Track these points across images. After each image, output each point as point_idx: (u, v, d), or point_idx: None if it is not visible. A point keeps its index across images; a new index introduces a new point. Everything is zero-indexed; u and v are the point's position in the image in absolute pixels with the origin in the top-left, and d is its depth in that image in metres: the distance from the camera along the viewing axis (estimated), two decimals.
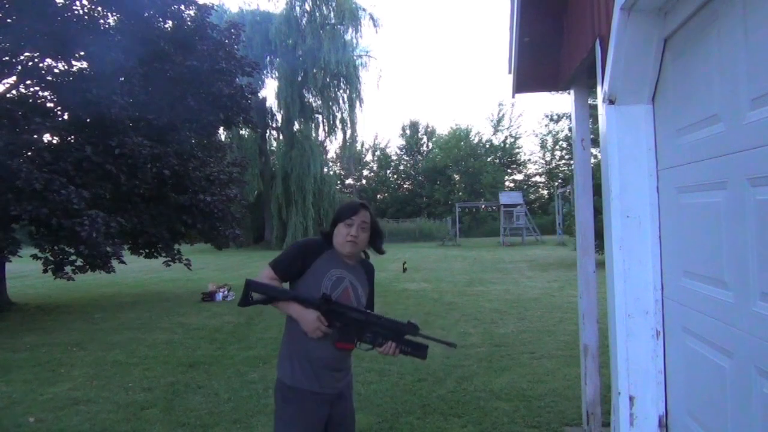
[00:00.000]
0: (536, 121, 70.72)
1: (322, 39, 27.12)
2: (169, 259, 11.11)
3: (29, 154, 8.83)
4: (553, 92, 4.81)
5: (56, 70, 9.97)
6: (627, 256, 2.46)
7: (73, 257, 9.24)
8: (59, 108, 9.85)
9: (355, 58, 29.52)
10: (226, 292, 10.86)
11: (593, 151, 7.92)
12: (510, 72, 4.14)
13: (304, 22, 27.97)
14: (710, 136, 1.98)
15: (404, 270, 15.25)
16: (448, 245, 28.51)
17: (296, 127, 29.27)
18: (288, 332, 2.36)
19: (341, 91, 29.91)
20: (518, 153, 45.08)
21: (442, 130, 49.18)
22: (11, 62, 9.67)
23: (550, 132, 43.08)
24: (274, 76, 29.71)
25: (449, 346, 2.36)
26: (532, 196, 43.06)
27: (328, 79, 28.93)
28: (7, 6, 8.92)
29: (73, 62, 10.05)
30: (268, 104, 30.46)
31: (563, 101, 43.06)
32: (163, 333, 7.72)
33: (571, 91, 3.75)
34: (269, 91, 41.67)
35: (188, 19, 10.69)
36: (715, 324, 1.99)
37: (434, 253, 23.06)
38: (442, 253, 23.00)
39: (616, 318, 2.47)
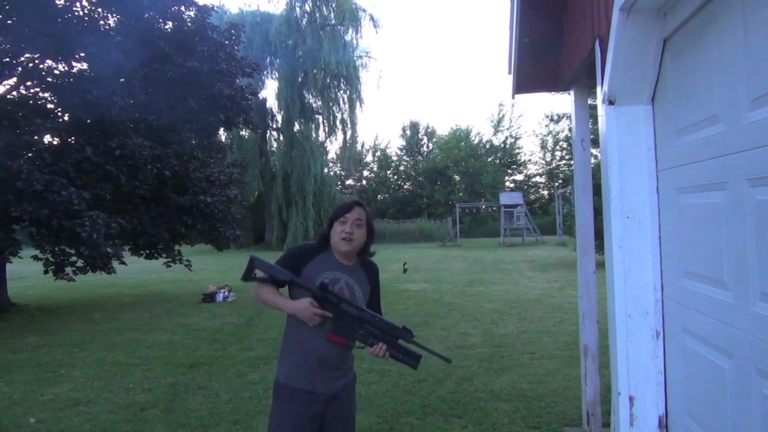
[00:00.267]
0: (536, 121, 70.74)
1: (322, 40, 27.13)
2: (170, 259, 11.12)
3: (30, 155, 8.83)
4: (553, 93, 4.82)
5: (57, 72, 9.98)
6: (627, 256, 2.46)
7: (74, 258, 9.24)
8: (60, 109, 9.86)
9: (355, 58, 29.53)
10: (226, 293, 10.86)
11: (593, 151, 7.93)
12: (510, 72, 4.15)
13: (304, 22, 27.99)
14: (710, 136, 1.98)
15: (405, 270, 15.25)
16: (448, 246, 28.52)
17: (296, 127, 29.28)
18: (286, 331, 2.38)
19: (341, 91, 29.92)
20: (518, 153, 45.11)
21: (443, 130, 49.26)
22: (12, 63, 9.67)
23: (550, 132, 43.15)
24: (274, 76, 29.74)
25: (444, 361, 2.30)
26: (532, 197, 43.07)
27: (328, 80, 28.94)
28: (7, 7, 8.93)
29: (74, 63, 10.05)
30: (268, 105, 30.50)
31: (563, 101, 43.12)
32: (163, 334, 7.72)
33: (571, 92, 3.75)
34: (269, 91, 41.79)
35: (188, 20, 10.69)
36: (715, 324, 1.99)
37: (434, 254, 23.06)
38: (443, 254, 23.00)
39: (616, 318, 2.47)
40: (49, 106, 9.82)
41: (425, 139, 48.84)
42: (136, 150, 9.18)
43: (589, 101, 3.81)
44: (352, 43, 28.83)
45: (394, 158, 49.11)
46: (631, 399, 2.44)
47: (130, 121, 9.60)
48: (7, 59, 9.53)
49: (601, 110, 2.57)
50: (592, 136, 3.91)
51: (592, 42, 2.74)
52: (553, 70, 3.96)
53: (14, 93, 9.89)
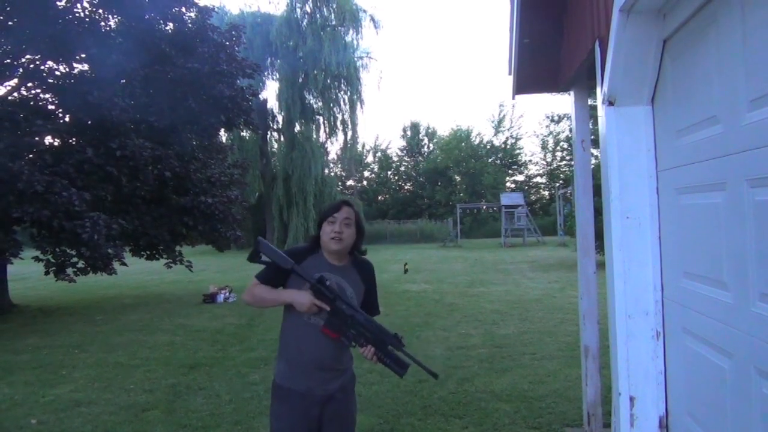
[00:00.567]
0: (537, 122, 70.79)
1: (322, 40, 27.12)
2: (171, 260, 11.12)
3: (31, 156, 8.85)
4: (553, 93, 4.82)
5: (57, 73, 10.00)
6: (627, 256, 2.47)
7: (75, 259, 9.25)
8: (60, 110, 9.87)
9: (355, 59, 29.50)
10: (227, 294, 10.87)
11: (594, 151, 7.93)
12: (510, 73, 4.15)
13: (304, 23, 27.98)
14: (709, 137, 1.98)
15: (405, 271, 15.25)
16: (449, 246, 28.51)
17: (297, 128, 29.27)
18: (282, 332, 2.40)
19: (342, 92, 29.89)
20: (519, 154, 45.08)
21: (443, 131, 49.21)
22: (12, 65, 9.69)
23: (550, 133, 43.14)
24: (274, 77, 29.72)
25: (431, 375, 2.27)
26: (533, 197, 43.06)
27: (328, 81, 28.91)
28: (8, 9, 8.94)
29: (74, 65, 10.07)
30: (269, 106, 30.47)
31: (564, 102, 43.10)
32: (164, 335, 7.73)
33: (571, 93, 3.76)
34: (270, 92, 41.83)
35: (189, 21, 10.69)
36: (714, 325, 2.00)
37: (435, 254, 23.06)
38: (443, 254, 23.00)
39: (617, 319, 2.47)
40: (50, 107, 9.84)
41: (426, 140, 48.83)
42: (136, 151, 9.20)
43: (589, 102, 3.81)
44: (352, 44, 28.82)
45: (395, 159, 49.12)
46: (631, 399, 2.44)
47: (131, 122, 9.61)
48: (8, 60, 9.54)
49: (601, 111, 2.57)
50: (592, 137, 3.91)
51: (592, 43, 2.74)
52: (553, 71, 3.96)
53: (15, 94, 9.91)
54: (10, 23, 9.04)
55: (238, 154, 22.56)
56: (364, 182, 47.67)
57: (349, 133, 30.75)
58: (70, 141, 9.69)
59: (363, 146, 46.02)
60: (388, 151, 49.32)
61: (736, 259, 1.83)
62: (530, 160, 45.49)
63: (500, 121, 44.89)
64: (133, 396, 4.99)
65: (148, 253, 11.09)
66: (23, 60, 9.80)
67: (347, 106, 29.94)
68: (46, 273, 9.29)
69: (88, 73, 9.92)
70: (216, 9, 11.75)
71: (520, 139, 45.14)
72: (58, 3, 9.42)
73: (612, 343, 2.55)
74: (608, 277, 2.56)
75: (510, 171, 44.94)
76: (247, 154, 25.35)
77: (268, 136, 31.30)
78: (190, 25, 10.67)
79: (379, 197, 46.85)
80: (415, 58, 77.85)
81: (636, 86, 2.44)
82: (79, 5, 9.74)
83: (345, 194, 36.12)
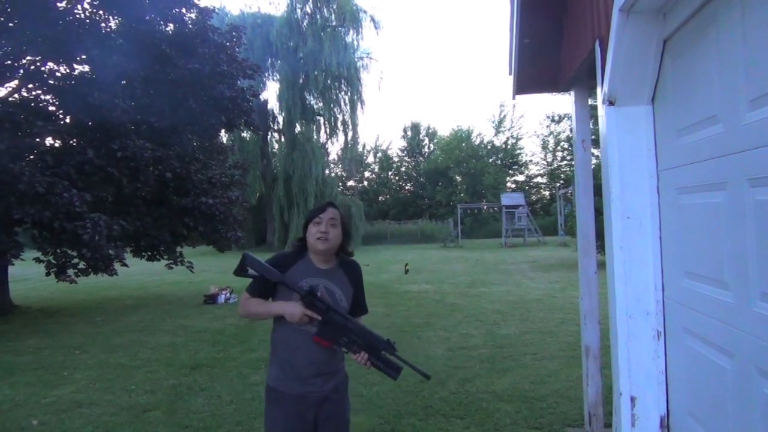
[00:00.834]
0: (537, 122, 70.75)
1: (323, 41, 27.14)
2: (171, 261, 11.13)
3: (31, 157, 8.86)
4: (553, 93, 4.82)
5: (58, 74, 10.01)
6: (628, 256, 2.47)
7: (76, 260, 9.26)
8: (61, 111, 9.88)
9: (356, 60, 29.53)
10: (228, 295, 10.88)
11: (594, 151, 7.93)
12: (510, 73, 4.15)
13: (305, 24, 28.01)
14: (709, 136, 1.98)
15: (406, 271, 15.25)
16: (449, 246, 28.50)
17: (298, 129, 29.30)
18: (273, 337, 2.42)
19: (342, 93, 29.92)
20: (520, 154, 45.08)
21: (444, 131, 49.25)
22: (13, 66, 9.70)
23: (551, 133, 43.14)
24: (275, 78, 29.75)
25: (423, 376, 2.34)
26: (533, 197, 43.06)
27: (329, 81, 28.94)
28: (9, 10, 8.95)
29: (75, 66, 10.08)
30: (269, 106, 30.51)
31: (564, 102, 43.12)
32: (165, 335, 7.73)
33: (572, 92, 3.75)
34: (271, 93, 41.73)
35: (189, 22, 10.70)
36: (715, 324, 1.99)
37: (436, 255, 23.05)
38: (444, 255, 23.00)
39: (617, 319, 2.47)
40: (51, 108, 9.84)
41: (426, 140, 48.84)
42: (137, 152, 9.20)
43: (590, 102, 3.81)
44: (353, 45, 28.85)
45: (396, 159, 49.12)
46: (632, 399, 2.44)
47: (132, 123, 9.62)
48: (9, 62, 9.55)
49: (602, 111, 2.57)
50: (592, 137, 3.91)
51: (592, 42, 2.74)
52: (553, 71, 3.96)
53: (16, 95, 9.91)
54: (10, 24, 9.04)
55: (239, 154, 22.53)
56: (365, 183, 47.68)
57: (350, 134, 30.81)
58: (71, 142, 9.70)
59: (363, 147, 46.11)
60: (389, 152, 49.39)
61: (737, 258, 1.83)
62: (531, 160, 45.56)
63: (501, 121, 44.93)
64: (135, 397, 4.99)
65: (149, 254, 11.10)
66: (24, 61, 9.81)
67: (348, 107, 29.97)
68: (47, 274, 9.30)
69: (88, 74, 9.93)
70: (216, 10, 11.75)
71: (520, 139, 45.20)
72: (59, 4, 9.44)
73: (613, 343, 2.55)
74: (609, 277, 2.56)
75: (511, 171, 44.94)
76: (247, 155, 25.36)
77: (269, 136, 31.33)
78: (190, 26, 10.68)
79: (380, 198, 46.86)
80: (415, 59, 77.93)
81: (636, 86, 2.43)
82: (79, 6, 9.76)
83: (346, 195, 36.10)
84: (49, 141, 9.72)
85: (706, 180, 2.03)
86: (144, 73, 9.82)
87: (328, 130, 30.71)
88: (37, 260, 9.25)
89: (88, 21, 9.70)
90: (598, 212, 3.28)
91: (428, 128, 48.79)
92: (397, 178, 48.79)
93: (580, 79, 3.56)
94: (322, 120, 30.39)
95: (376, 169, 49.13)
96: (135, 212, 10.14)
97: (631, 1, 2.15)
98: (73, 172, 8.70)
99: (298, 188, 27.60)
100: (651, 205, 2.46)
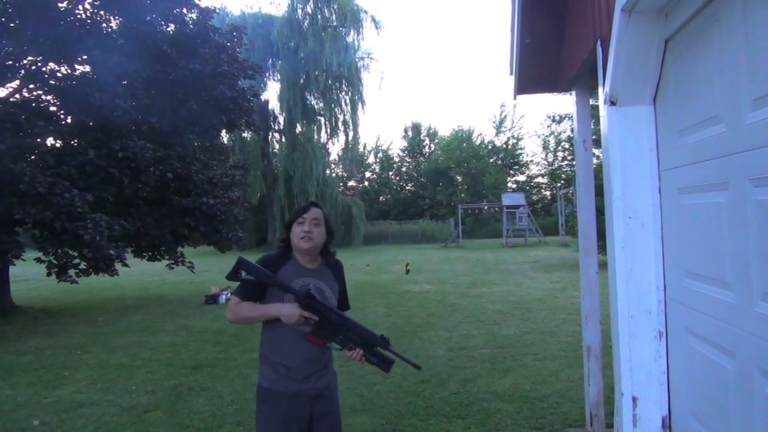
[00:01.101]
0: (538, 122, 70.71)
1: (323, 41, 27.14)
2: (172, 261, 11.14)
3: (33, 157, 8.87)
4: (554, 93, 4.81)
5: (59, 74, 10.02)
6: (629, 256, 2.46)
7: (77, 260, 9.27)
8: (62, 112, 9.89)
9: (356, 60, 29.53)
10: (229, 295, 10.86)
11: (595, 151, 7.93)
12: (511, 73, 4.14)
13: (305, 24, 28.00)
14: (711, 136, 1.98)
15: (407, 272, 15.25)
16: (450, 247, 28.50)
17: (298, 129, 29.31)
18: (264, 338, 2.42)
19: (343, 93, 29.92)
20: (520, 154, 45.05)
21: (445, 131, 49.25)
22: (14, 66, 9.71)
23: (552, 133, 43.08)
24: (276, 78, 29.78)
25: (415, 367, 2.41)
26: (534, 197, 43.00)
27: (330, 82, 28.94)
28: (10, 10, 8.96)
29: (76, 66, 10.09)
30: (270, 107, 30.52)
31: (565, 102, 43.11)
32: (166, 336, 7.73)
33: (573, 92, 3.75)
34: (271, 93, 41.77)
35: (190, 22, 10.71)
36: (717, 325, 1.99)
37: (437, 255, 23.05)
38: (445, 255, 22.99)
39: (619, 319, 2.47)
40: (52, 108, 9.85)
41: (427, 140, 48.83)
42: (138, 152, 9.21)
43: (591, 102, 3.80)
44: (353, 45, 28.85)
45: (396, 159, 49.10)
46: (634, 399, 2.44)
47: (133, 123, 9.63)
48: (10, 62, 9.56)
49: (603, 111, 2.57)
50: (594, 137, 3.90)
51: (594, 42, 2.74)
52: (554, 71, 3.96)
53: (17, 96, 9.92)
54: (11, 25, 9.05)
55: (240, 155, 22.54)
56: (366, 183, 47.67)
57: (351, 134, 30.81)
58: (72, 142, 9.71)
59: (364, 147, 46.08)
60: (390, 152, 49.36)
61: (739, 258, 1.83)
62: (532, 161, 45.50)
63: (501, 122, 44.91)
64: (136, 397, 4.99)
65: (149, 254, 11.11)
66: (25, 62, 9.82)
67: (348, 107, 29.98)
68: (48, 274, 9.31)
69: (89, 74, 9.94)
70: (217, 10, 11.76)
71: (521, 139, 45.16)
72: (60, 5, 9.45)
73: (615, 343, 2.55)
74: (611, 277, 2.56)
75: (511, 171, 44.91)
76: (248, 155, 25.37)
77: (270, 137, 31.35)
78: (191, 27, 10.69)
79: (381, 198, 46.85)
80: (416, 59, 77.92)
81: (638, 86, 2.43)
82: (80, 7, 9.77)
83: (346, 195, 36.11)
84: (50, 141, 9.73)
85: (708, 180, 2.02)
86: (145, 74, 9.83)
87: (328, 130, 30.75)
88: (38, 260, 9.25)
89: (89, 21, 9.71)
90: (600, 212, 3.27)
91: (429, 128, 48.82)
92: (397, 178, 48.77)
93: (581, 79, 3.56)
94: (322, 120, 30.41)
95: (377, 170, 49.13)
96: (136, 212, 10.15)
97: (633, 1, 2.15)
98: (74, 173, 8.71)
99: (299, 188, 27.61)
100: (653, 205, 2.46)
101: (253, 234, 29.06)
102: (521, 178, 45.22)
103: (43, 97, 9.94)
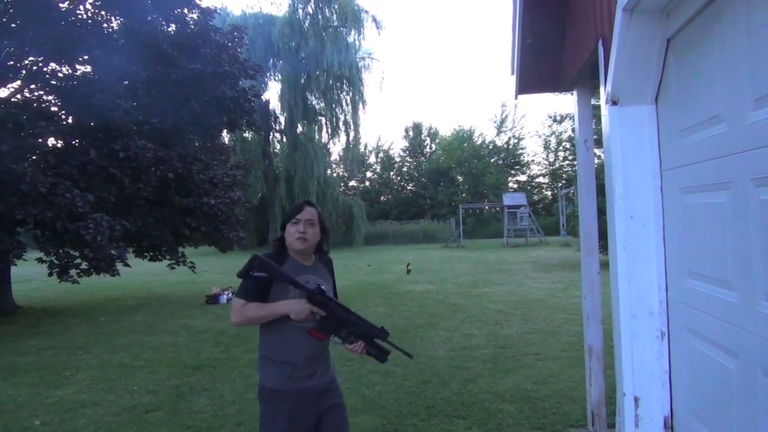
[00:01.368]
0: (539, 122, 70.75)
1: (324, 41, 27.14)
2: (174, 261, 11.14)
3: (34, 158, 8.88)
4: (556, 93, 4.81)
5: (60, 75, 10.03)
6: (631, 256, 2.46)
7: (78, 260, 9.27)
8: (63, 112, 9.90)
9: (357, 60, 29.53)
10: (230, 295, 10.87)
11: (596, 151, 7.92)
12: (513, 73, 4.14)
13: (306, 24, 28.01)
14: (713, 136, 1.97)
15: (408, 272, 15.25)
16: (451, 247, 28.50)
17: (299, 129, 29.32)
18: (265, 338, 2.41)
19: (344, 93, 29.92)
20: (521, 154, 45.04)
21: (446, 131, 49.20)
22: (16, 66, 9.72)
23: (553, 133, 43.10)
24: (277, 78, 29.79)
25: (407, 356, 2.46)
26: (535, 197, 43.00)
27: (330, 82, 28.95)
28: (11, 11, 8.97)
29: (77, 66, 10.10)
30: (271, 107, 30.52)
31: (566, 102, 43.09)
32: (167, 336, 7.74)
33: (574, 92, 3.75)
34: (272, 93, 41.80)
35: (191, 22, 10.72)
36: (720, 325, 1.99)
37: (438, 255, 23.04)
38: (446, 255, 22.98)
39: (621, 319, 2.47)
40: (53, 109, 9.86)
41: (428, 140, 48.83)
42: (139, 152, 9.22)
43: (593, 101, 3.80)
44: (354, 45, 28.85)
45: (397, 159, 49.11)
46: (636, 400, 2.43)
47: (134, 123, 9.63)
48: (11, 62, 9.57)
49: (605, 110, 2.56)
50: (595, 137, 3.90)
51: (595, 42, 2.73)
52: (556, 71, 3.95)
53: (18, 96, 9.94)
54: (13, 25, 9.06)
55: (241, 155, 22.55)
56: (367, 183, 47.69)
57: (352, 134, 30.81)
58: (73, 143, 9.71)
59: (365, 147, 46.09)
60: (391, 152, 49.39)
61: (742, 258, 1.82)
62: (533, 160, 45.49)
63: (502, 121, 44.89)
64: (137, 397, 4.99)
65: (151, 254, 11.12)
66: (26, 62, 9.83)
67: (349, 107, 29.98)
68: (50, 274, 9.31)
69: (90, 74, 9.95)
70: (218, 10, 11.76)
71: (522, 139, 45.16)
72: (61, 5, 9.46)
73: (616, 343, 2.54)
74: (612, 277, 2.55)
75: (512, 171, 44.89)
76: (249, 155, 25.35)
77: (271, 137, 31.35)
78: (192, 27, 10.69)
79: (382, 198, 46.84)
80: (417, 58, 77.90)
81: (639, 85, 2.43)
82: (81, 7, 9.77)
83: (347, 195, 36.12)
84: (51, 141, 9.73)
85: (710, 180, 2.02)
86: (146, 74, 9.83)
87: (329, 131, 30.76)
88: (40, 260, 9.26)
89: (90, 22, 9.71)
90: (601, 212, 3.28)
91: (430, 128, 48.83)
92: (398, 178, 48.78)
93: (582, 78, 3.56)
94: (323, 120, 30.41)
95: (378, 169, 49.14)
96: (137, 212, 10.15)
97: (635, 1, 2.14)
98: (75, 173, 8.72)
99: (299, 188, 27.61)
100: (654, 204, 2.46)
101: (254, 234, 29.05)
102: (522, 178, 45.25)
103: (45, 97, 9.95)
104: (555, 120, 42.47)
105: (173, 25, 10.70)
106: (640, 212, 2.46)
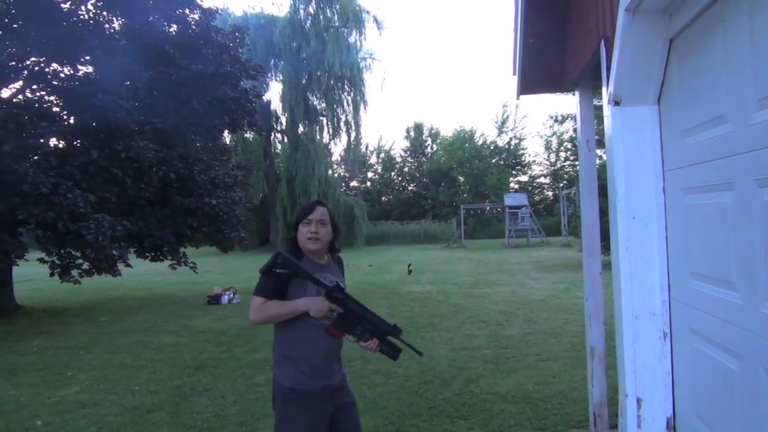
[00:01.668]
0: (541, 122, 70.64)
1: (326, 42, 27.16)
2: (175, 262, 11.15)
3: (36, 158, 8.88)
4: (557, 93, 4.81)
5: (62, 75, 10.03)
6: (633, 257, 2.46)
7: (80, 261, 9.27)
8: (65, 112, 9.91)
9: (359, 60, 29.55)
10: (231, 295, 10.88)
11: (598, 152, 7.91)
12: (515, 73, 4.14)
13: (308, 25, 28.04)
14: (716, 136, 1.97)
15: (409, 272, 15.24)
16: (453, 247, 28.49)
17: (301, 129, 29.32)
18: (282, 337, 2.41)
19: (345, 93, 29.95)
20: (523, 154, 45.03)
21: (447, 131, 49.24)
22: (18, 67, 9.73)
23: (554, 133, 43.04)
24: (278, 79, 29.80)
25: (417, 353, 2.46)
26: (536, 198, 42.98)
27: (332, 82, 28.97)
28: (13, 11, 8.98)
29: (79, 67, 10.11)
30: (272, 107, 30.54)
31: (567, 102, 43.00)
32: (169, 336, 7.74)
33: (576, 93, 3.74)
34: (274, 94, 41.74)
35: (193, 23, 10.72)
36: (722, 325, 1.98)
37: (439, 255, 23.04)
38: (447, 255, 22.98)
39: (623, 319, 2.46)
40: (55, 109, 9.87)
41: (429, 141, 48.83)
42: (141, 153, 9.22)
43: (595, 102, 3.79)
44: (355, 45, 28.88)
45: (398, 160, 49.11)
46: (638, 401, 2.43)
47: (136, 124, 9.64)
48: (13, 63, 9.58)
49: (607, 111, 2.56)
50: (597, 137, 3.89)
51: (598, 42, 2.73)
52: (558, 71, 3.95)
53: (20, 96, 9.95)
54: (15, 26, 9.08)
55: (242, 155, 22.56)
56: (368, 183, 47.70)
57: (353, 134, 30.84)
58: (75, 143, 9.72)
59: (366, 147, 46.09)
60: (392, 152, 49.38)
61: (745, 259, 1.82)
62: (534, 161, 45.48)
63: (504, 122, 44.88)
64: (138, 397, 4.99)
65: (152, 254, 11.13)
66: (28, 62, 9.84)
67: (350, 107, 30.01)
68: (51, 274, 9.32)
69: (92, 75, 9.96)
70: (219, 11, 11.77)
71: (523, 139, 45.18)
72: (63, 6, 9.46)
73: (618, 344, 2.54)
74: (614, 277, 2.55)
75: (514, 171, 44.88)
76: (250, 156, 25.37)
77: (272, 137, 31.38)
78: (193, 27, 10.70)
79: (383, 198, 46.85)
80: (418, 59, 77.88)
81: (642, 86, 2.42)
82: (83, 8, 9.78)
83: (348, 195, 36.12)
84: (53, 142, 9.74)
85: (712, 180, 2.02)
86: (147, 74, 9.84)
87: (331, 131, 30.78)
88: (41, 261, 9.27)
89: (91, 22, 9.72)
90: (603, 213, 3.27)
91: (431, 128, 48.83)
92: (400, 178, 48.78)
93: (584, 79, 3.55)
94: (325, 120, 30.43)
95: (379, 170, 49.15)
96: (139, 213, 10.16)
97: (637, 1, 2.14)
98: (77, 173, 8.73)
99: (301, 189, 27.62)
100: (657, 205, 2.45)
101: (256, 234, 29.06)
102: (524, 178, 45.26)
103: (46, 97, 9.96)
104: (556, 120, 42.34)
105: (175, 26, 10.71)
106: (643, 213, 2.46)
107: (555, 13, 3.58)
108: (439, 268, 17.02)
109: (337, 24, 28.26)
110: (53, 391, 5.27)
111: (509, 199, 30.28)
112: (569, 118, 39.11)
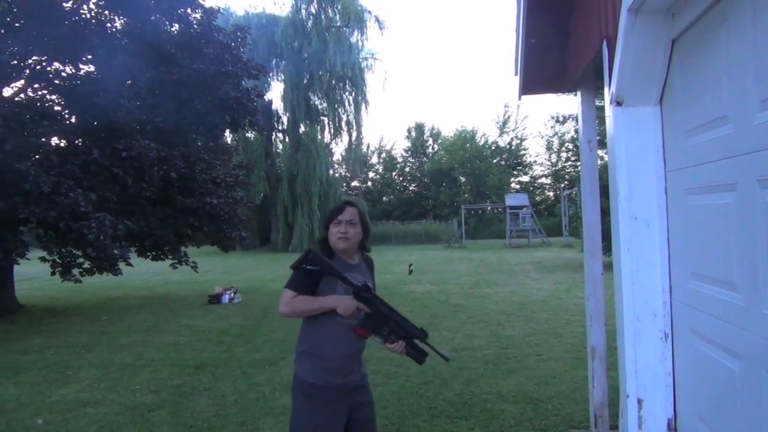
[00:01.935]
0: (542, 122, 70.52)
1: (327, 41, 27.16)
2: (176, 261, 11.15)
3: (37, 157, 8.88)
4: (559, 94, 4.80)
5: (64, 74, 10.03)
6: (635, 258, 2.45)
7: (81, 260, 9.27)
8: (67, 111, 9.90)
9: (360, 60, 29.54)
10: (232, 295, 10.89)
11: (600, 152, 7.90)
12: (516, 73, 4.13)
13: (309, 24, 28.04)
14: (719, 137, 1.97)
15: (410, 272, 15.24)
16: (454, 247, 28.48)
17: (302, 129, 29.32)
18: (309, 331, 2.46)
19: (347, 93, 29.94)
20: (524, 155, 45.00)
21: (448, 132, 49.23)
22: (19, 66, 9.73)
23: (556, 134, 42.98)
24: (279, 78, 29.80)
25: (444, 359, 2.50)
26: (538, 198, 42.94)
27: (333, 82, 28.96)
28: (15, 10, 8.98)
29: (81, 66, 10.11)
30: (274, 107, 30.55)
31: (569, 103, 42.91)
32: (169, 335, 7.74)
33: (578, 93, 3.74)
34: (275, 93, 41.68)
35: (194, 22, 10.72)
36: (724, 326, 1.98)
37: (440, 255, 23.03)
38: (448, 255, 22.97)
39: (624, 320, 2.46)
40: (57, 108, 9.86)
41: (430, 141, 48.81)
42: (142, 152, 9.22)
43: (596, 102, 3.79)
44: (357, 45, 28.88)
45: (400, 160, 49.10)
46: (639, 401, 2.43)
47: (137, 123, 9.64)
48: (15, 62, 9.58)
49: (609, 111, 2.55)
50: (598, 138, 3.89)
51: (600, 42, 2.73)
52: (560, 71, 3.94)
53: (22, 95, 9.95)
54: (16, 25, 9.07)
55: (243, 155, 22.59)
56: (369, 183, 47.69)
57: (354, 134, 30.83)
58: (77, 142, 9.72)
59: (368, 147, 46.07)
60: (393, 152, 49.38)
61: (747, 260, 1.81)
62: (535, 161, 45.47)
63: (505, 122, 44.86)
64: (139, 396, 5.00)
65: (153, 253, 11.13)
66: (30, 61, 9.84)
67: (352, 107, 30.01)
68: (53, 273, 9.32)
69: (94, 74, 9.96)
70: (221, 10, 11.77)
71: (525, 139, 45.13)
72: (65, 4, 9.47)
73: (620, 344, 2.54)
74: (616, 278, 2.54)
75: (515, 172, 44.86)
76: (252, 155, 25.41)
77: (273, 137, 31.39)
78: (195, 27, 10.70)
79: (384, 198, 46.84)
80: (420, 59, 77.90)
81: (644, 86, 2.42)
82: (85, 7, 9.79)
83: (350, 195, 36.13)
84: (54, 141, 9.74)
85: (715, 181, 2.01)
86: (149, 74, 9.84)
87: (332, 131, 30.77)
88: (43, 260, 9.27)
89: (93, 21, 9.72)
90: (605, 213, 3.26)
91: (432, 129, 48.81)
92: (401, 178, 48.77)
93: (586, 79, 3.55)
94: (326, 120, 30.43)
95: (380, 170, 49.14)
96: (140, 212, 10.16)
97: (640, 1, 2.13)
98: (78, 172, 8.73)
99: (302, 188, 27.64)
100: (659, 206, 2.45)
101: (257, 234, 29.07)
102: (525, 178, 45.22)
103: (48, 96, 9.96)
104: (558, 121, 42.26)
105: (176, 25, 10.70)
106: (644, 213, 2.46)
107: (557, 13, 3.58)
108: (440, 269, 17.02)
109: (338, 24, 28.26)
110: (54, 389, 5.27)
111: (510, 200, 30.27)
112: (570, 119, 39.11)
